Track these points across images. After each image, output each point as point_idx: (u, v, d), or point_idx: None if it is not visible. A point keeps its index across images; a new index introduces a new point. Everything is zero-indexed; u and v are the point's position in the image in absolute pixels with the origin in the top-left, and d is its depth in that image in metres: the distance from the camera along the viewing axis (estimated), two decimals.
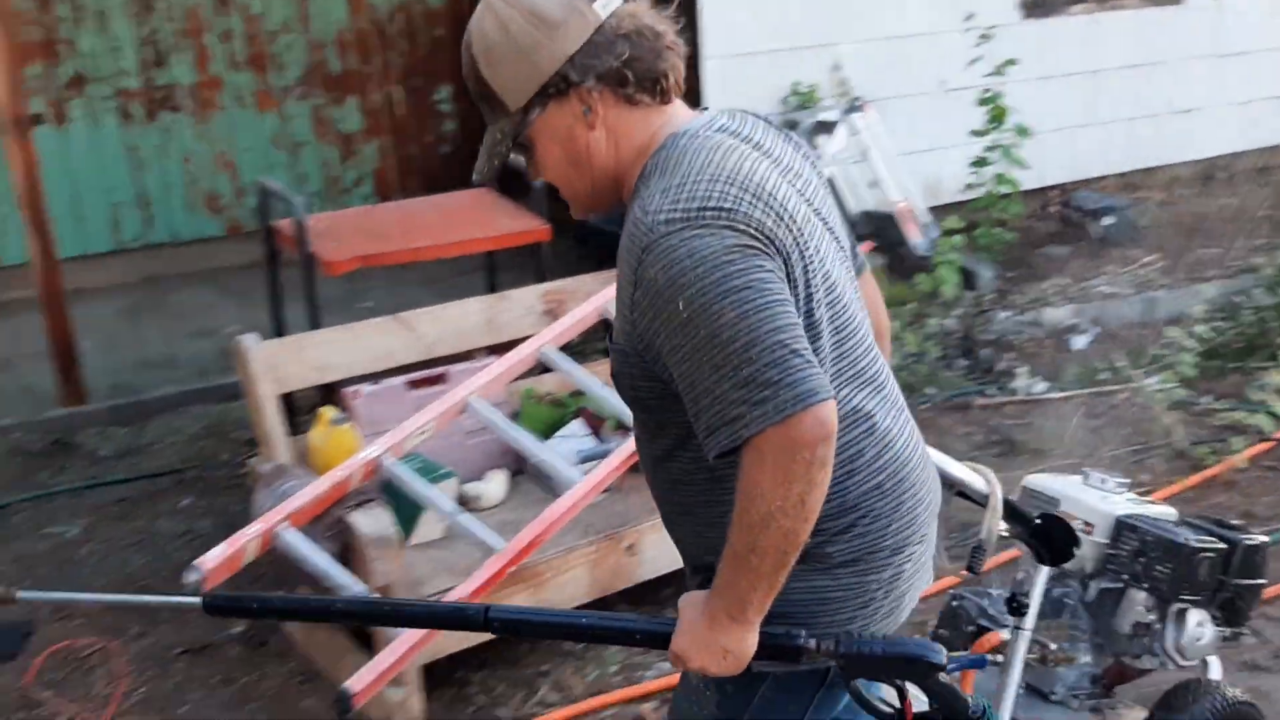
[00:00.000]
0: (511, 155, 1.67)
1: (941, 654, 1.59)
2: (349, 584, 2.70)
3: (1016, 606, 2.20)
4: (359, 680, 2.45)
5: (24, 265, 6.12)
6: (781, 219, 1.56)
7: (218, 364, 5.40)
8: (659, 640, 1.61)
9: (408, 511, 3.20)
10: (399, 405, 3.47)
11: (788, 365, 1.45)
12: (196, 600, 1.81)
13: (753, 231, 1.52)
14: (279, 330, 4.16)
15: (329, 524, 2.89)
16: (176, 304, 6.18)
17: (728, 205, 1.53)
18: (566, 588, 3.23)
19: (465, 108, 7.31)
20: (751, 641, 1.56)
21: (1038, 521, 2.17)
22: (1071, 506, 2.43)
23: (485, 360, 3.67)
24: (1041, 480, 2.56)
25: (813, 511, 1.49)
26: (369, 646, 3.00)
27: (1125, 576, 2.40)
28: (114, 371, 5.27)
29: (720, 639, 1.55)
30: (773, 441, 1.44)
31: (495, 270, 4.61)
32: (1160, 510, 2.49)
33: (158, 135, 6.61)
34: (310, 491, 2.84)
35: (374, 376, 3.63)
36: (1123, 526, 2.39)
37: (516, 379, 3.54)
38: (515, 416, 3.73)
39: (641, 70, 1.63)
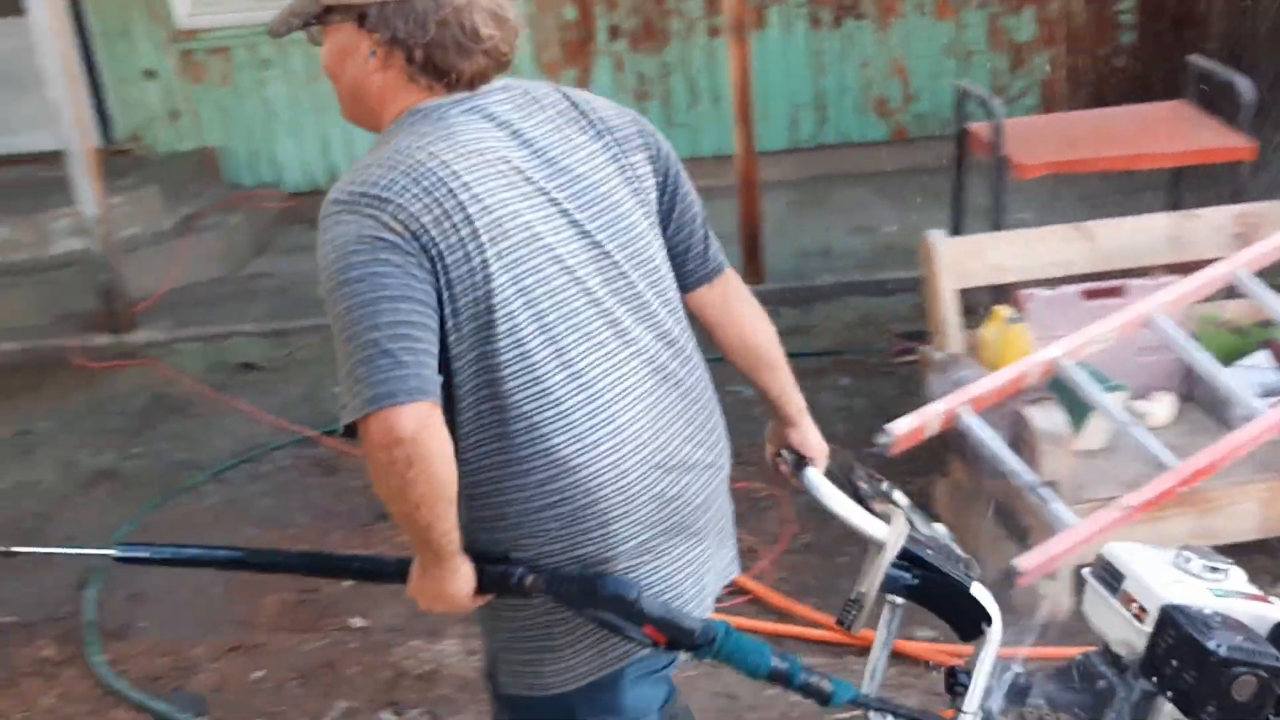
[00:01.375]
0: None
1: (631, 589, 1.62)
2: (1020, 471, 2.84)
3: (953, 685, 1.73)
4: (1029, 559, 2.60)
5: (712, 158, 6.89)
6: (448, 215, 1.54)
7: (874, 259, 5.77)
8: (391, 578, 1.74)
9: (1076, 414, 3.26)
10: (1072, 313, 3.51)
11: (373, 365, 1.48)
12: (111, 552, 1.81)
13: (396, 224, 1.52)
14: (956, 230, 4.33)
15: (1004, 414, 3.04)
16: (839, 202, 6.62)
17: (385, 195, 1.53)
18: (1236, 519, 3.12)
19: (1145, 20, 6.94)
20: (457, 584, 1.62)
21: (912, 582, 1.69)
22: (1131, 585, 1.80)
23: (1163, 278, 3.58)
24: (1119, 550, 1.89)
25: (423, 503, 1.53)
26: (1020, 535, 3.15)
27: (1154, 679, 1.77)
28: (782, 258, 5.81)
29: (430, 585, 1.64)
30: (363, 434, 1.51)
31: (1180, 188, 4.42)
32: (1264, 609, 1.79)
33: (840, 41, 7.04)
34: (991, 381, 3.01)
35: (1048, 282, 3.69)
36: (1166, 617, 1.75)
37: (1200, 301, 3.43)
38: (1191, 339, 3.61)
39: (435, 60, 1.62)
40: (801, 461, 1.98)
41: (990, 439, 2.89)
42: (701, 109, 7.19)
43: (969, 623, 1.70)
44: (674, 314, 1.78)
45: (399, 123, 1.65)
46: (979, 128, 4.22)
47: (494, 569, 1.64)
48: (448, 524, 1.57)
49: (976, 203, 4.42)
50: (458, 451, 1.60)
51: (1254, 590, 1.81)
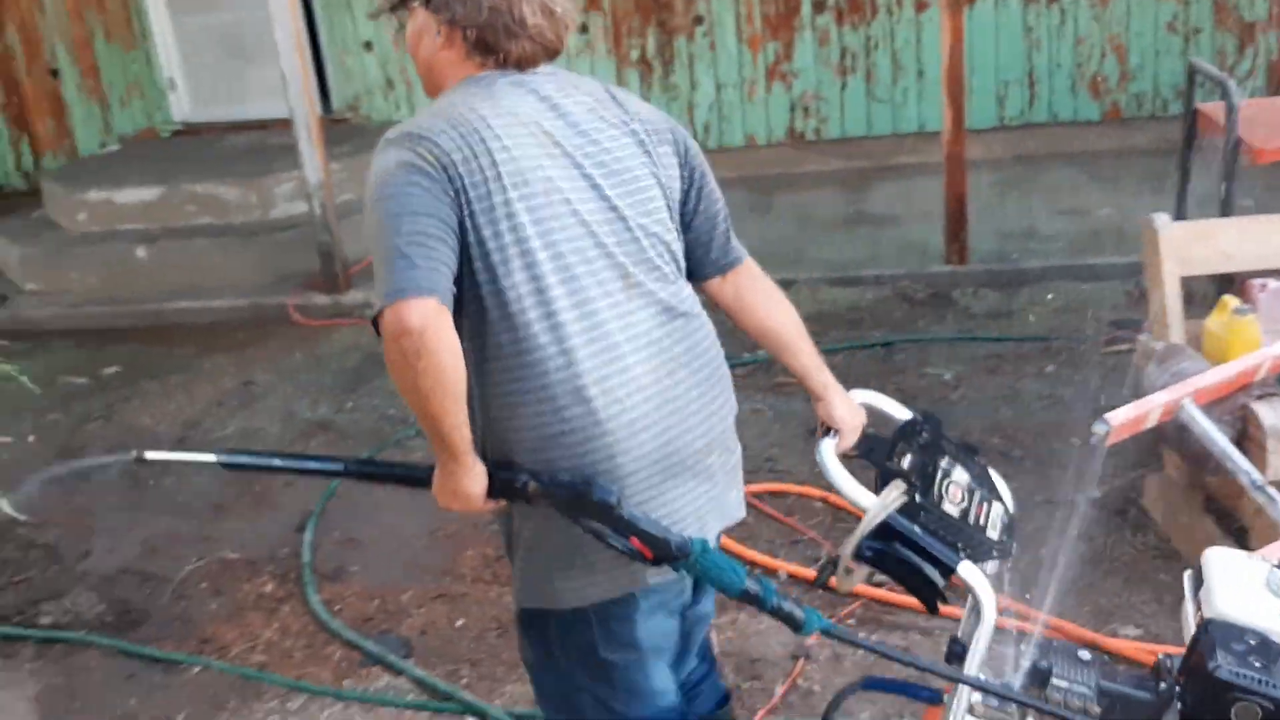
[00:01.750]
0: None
1: (608, 493, 1.75)
2: (1246, 469, 2.70)
3: (954, 652, 1.82)
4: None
5: (914, 134, 6.76)
6: (476, 157, 1.76)
7: (1083, 243, 5.55)
8: (423, 483, 1.88)
9: None
10: None
11: (392, 265, 1.67)
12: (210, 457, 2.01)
13: (429, 156, 1.75)
14: (1181, 214, 4.14)
15: (1229, 408, 2.90)
16: (1046, 182, 6.39)
17: (424, 134, 1.78)
18: None
19: None
20: (470, 482, 1.80)
21: (870, 552, 1.78)
22: (1204, 593, 1.72)
23: None
24: (1215, 555, 1.77)
25: (431, 395, 1.68)
26: (1238, 535, 3.01)
27: (1177, 687, 1.70)
28: (986, 238, 5.65)
29: (447, 482, 1.81)
30: (381, 327, 1.68)
31: None
32: None
33: (1055, 16, 6.78)
34: (1216, 374, 2.87)
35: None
36: (1203, 628, 1.68)
37: None
38: None
39: (486, 39, 1.86)
40: (828, 433, 2.07)
41: (1215, 434, 2.75)
42: (905, 84, 7.06)
43: (924, 599, 1.79)
44: (682, 281, 1.99)
45: (454, 87, 1.90)
46: (1210, 108, 4.01)
47: (502, 474, 1.82)
48: (456, 419, 1.73)
49: (1197, 188, 4.21)
50: (481, 374, 1.82)
51: None
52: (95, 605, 3.65)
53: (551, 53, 1.94)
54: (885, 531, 1.78)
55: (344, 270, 5.98)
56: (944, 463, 1.88)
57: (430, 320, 1.65)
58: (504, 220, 1.78)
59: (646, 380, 1.86)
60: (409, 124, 1.83)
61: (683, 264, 2.01)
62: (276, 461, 2.20)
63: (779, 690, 2.98)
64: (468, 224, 1.76)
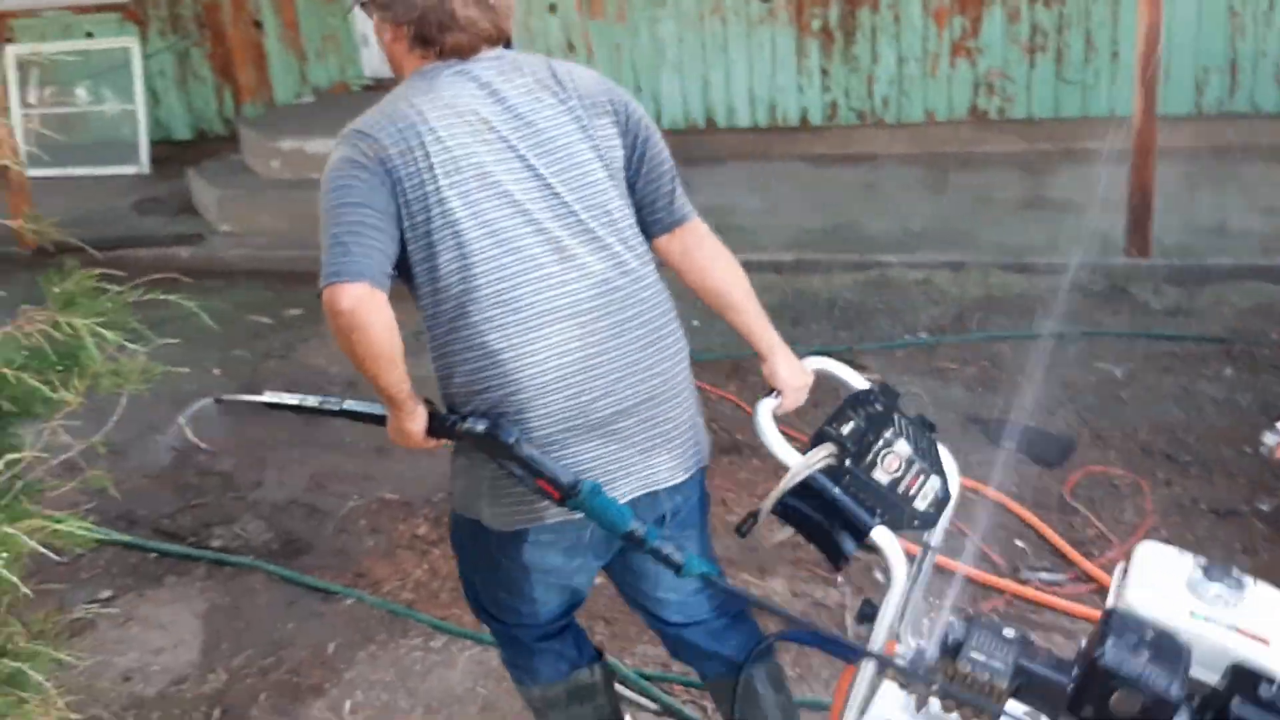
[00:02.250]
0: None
1: (509, 434, 1.98)
2: None
3: (864, 614, 1.96)
4: None
5: (1103, 119, 6.49)
6: (411, 150, 1.98)
7: (1278, 244, 5.26)
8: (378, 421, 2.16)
9: None
10: None
11: (331, 252, 1.91)
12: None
13: (370, 152, 1.97)
14: None
15: None
16: (1243, 176, 6.06)
17: (367, 131, 2.00)
18: None
19: None
20: (412, 423, 2.07)
21: (785, 508, 1.92)
22: (1123, 584, 1.83)
23: None
24: (1146, 550, 1.88)
25: (366, 360, 1.92)
26: None
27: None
28: (1172, 231, 5.41)
29: (393, 423, 2.10)
30: (323, 304, 1.91)
31: None
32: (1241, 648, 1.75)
33: (1264, 1, 6.38)
34: None
35: None
36: (1105, 618, 1.81)
37: None
38: None
39: (421, 34, 2.05)
40: (770, 393, 2.25)
41: None
42: (1097, 66, 6.78)
43: (829, 556, 1.92)
44: (629, 247, 2.13)
45: (405, 80, 2.11)
46: None
47: (438, 415, 2.10)
48: (391, 375, 1.97)
49: None
50: (430, 335, 2.09)
51: (1260, 626, 1.78)
52: (263, 533, 3.88)
53: (492, 40, 2.09)
54: (806, 490, 1.90)
55: None
56: (889, 434, 1.96)
57: (361, 301, 1.88)
58: (435, 206, 1.98)
59: (569, 346, 2.04)
60: (357, 121, 2.05)
61: (632, 229, 2.15)
62: (311, 401, 2.40)
63: None
64: (403, 211, 1.98)
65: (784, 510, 1.93)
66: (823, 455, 1.91)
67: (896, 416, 2.00)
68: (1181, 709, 1.73)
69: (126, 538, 3.83)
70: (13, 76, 8.51)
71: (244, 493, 4.15)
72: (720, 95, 7.43)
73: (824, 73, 7.28)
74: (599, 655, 2.53)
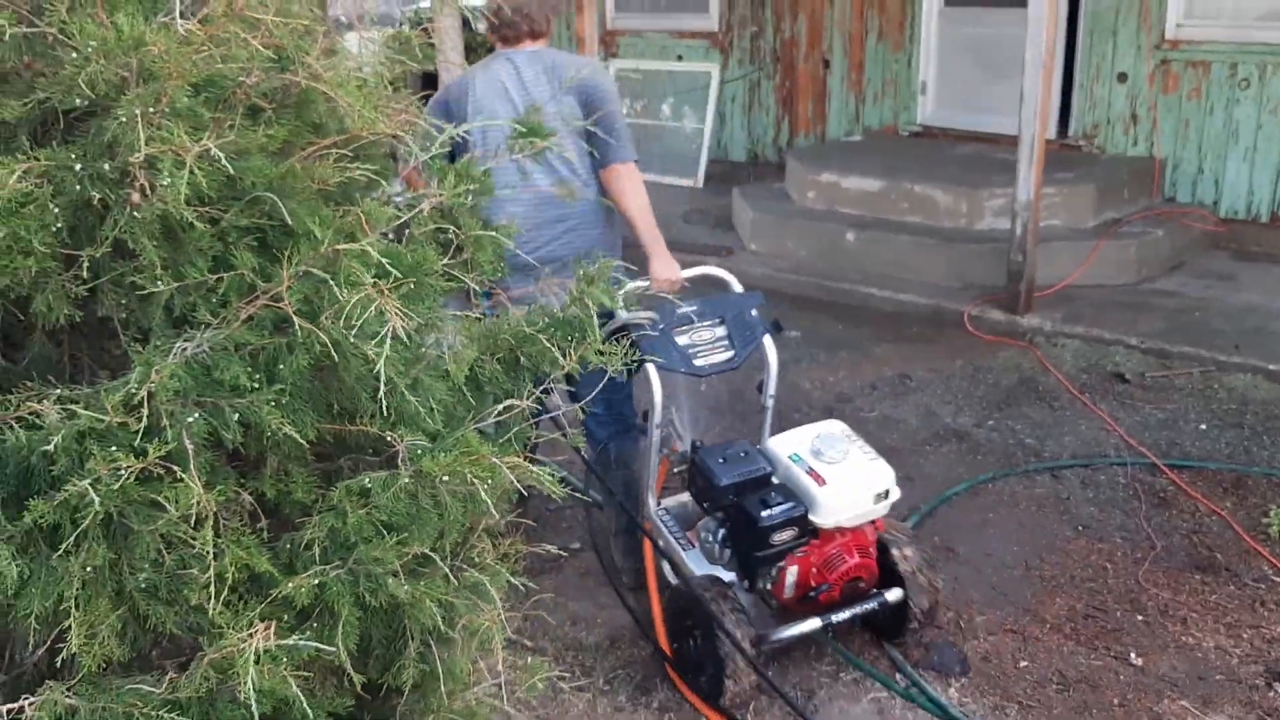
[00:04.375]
0: None
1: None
2: None
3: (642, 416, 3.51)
4: None
5: None
6: (461, 97, 3.63)
7: None
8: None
9: None
10: None
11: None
12: None
13: (445, 96, 3.71)
14: None
15: None
16: None
17: (450, 85, 3.77)
18: None
19: None
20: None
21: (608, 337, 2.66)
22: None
23: None
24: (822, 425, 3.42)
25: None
26: None
27: None
28: None
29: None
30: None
31: None
32: (802, 481, 3.22)
33: None
34: None
35: None
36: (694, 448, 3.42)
37: None
38: None
39: (495, 33, 3.71)
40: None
41: None
42: None
43: (630, 374, 2.77)
44: (576, 174, 3.60)
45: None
46: None
47: None
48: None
49: None
50: None
51: (825, 471, 3.18)
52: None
53: (532, 35, 3.67)
54: (626, 330, 3.24)
55: (1028, 292, 6.00)
56: (711, 321, 3.44)
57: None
58: (475, 132, 3.35)
59: (520, 223, 2.82)
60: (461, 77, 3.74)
61: (583, 163, 3.60)
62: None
63: None
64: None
65: (611, 335, 3.07)
66: (638, 313, 3.21)
67: (749, 316, 3.51)
68: (727, 490, 3.19)
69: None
70: None
71: None
72: None
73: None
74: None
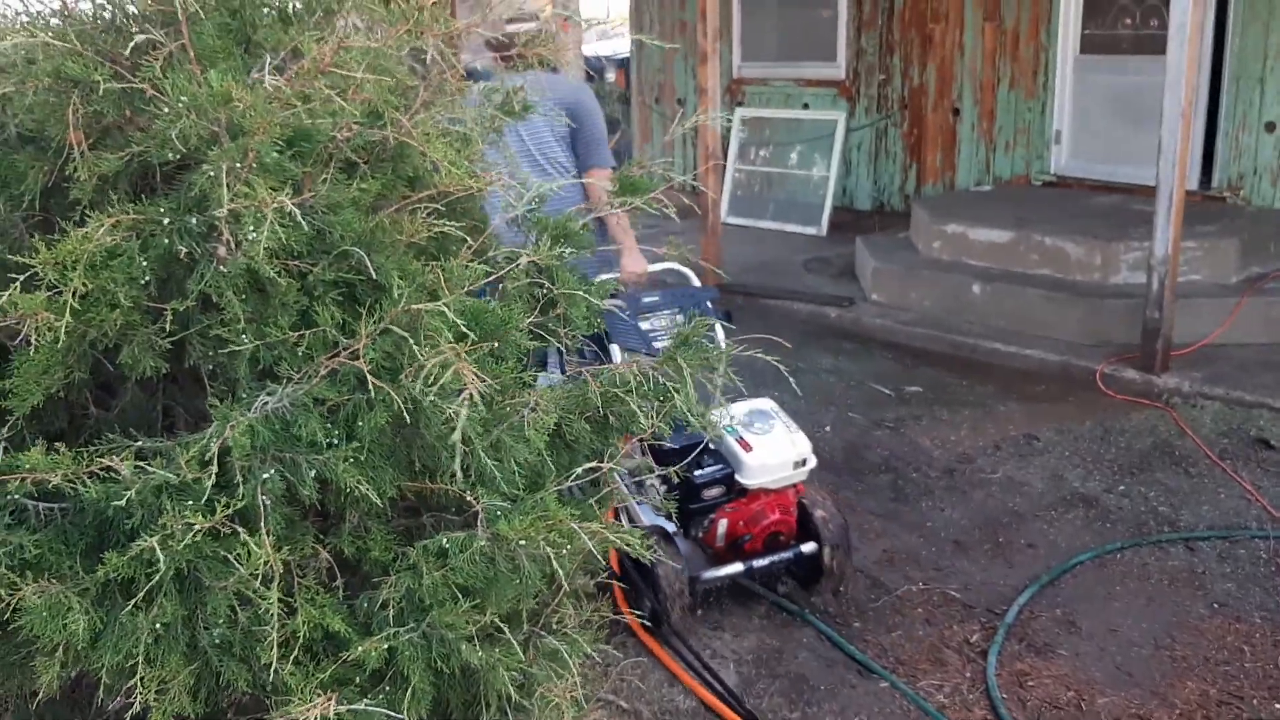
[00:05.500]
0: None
1: None
2: None
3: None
4: None
5: None
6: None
7: None
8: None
9: None
10: None
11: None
12: None
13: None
14: None
15: None
16: None
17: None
18: None
19: None
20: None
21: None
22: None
23: None
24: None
25: None
26: None
27: None
28: None
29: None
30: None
31: None
32: (737, 452, 3.77)
33: None
34: None
35: None
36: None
37: None
38: None
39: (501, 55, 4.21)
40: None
41: None
42: None
43: (605, 356, 3.63)
44: (565, 174, 4.20)
45: None
46: None
47: None
48: None
49: None
50: None
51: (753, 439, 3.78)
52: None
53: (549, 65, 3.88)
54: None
55: (1165, 351, 5.71)
56: (670, 310, 3.91)
57: None
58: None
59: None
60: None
61: (570, 165, 4.20)
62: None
63: None
64: None
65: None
66: (612, 305, 3.17)
67: (705, 309, 3.86)
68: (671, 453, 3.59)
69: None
70: (736, 135, 9.63)
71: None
72: None
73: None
74: None
